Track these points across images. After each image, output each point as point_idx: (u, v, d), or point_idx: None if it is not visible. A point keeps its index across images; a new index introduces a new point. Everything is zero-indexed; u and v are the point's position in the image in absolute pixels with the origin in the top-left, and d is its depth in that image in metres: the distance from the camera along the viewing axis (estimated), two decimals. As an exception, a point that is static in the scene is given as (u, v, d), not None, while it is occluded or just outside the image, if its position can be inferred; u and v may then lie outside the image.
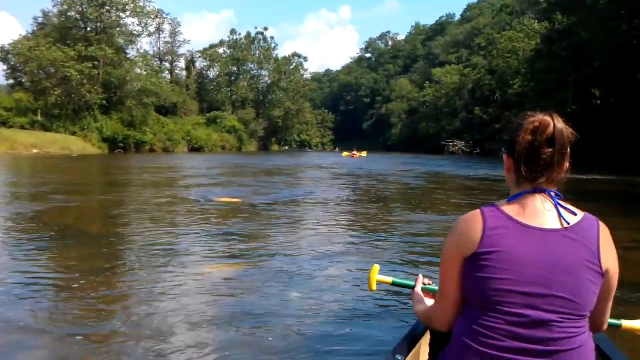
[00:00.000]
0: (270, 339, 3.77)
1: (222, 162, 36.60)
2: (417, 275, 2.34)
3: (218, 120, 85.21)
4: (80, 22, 56.69)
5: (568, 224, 1.67)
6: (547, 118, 1.69)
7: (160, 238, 7.50)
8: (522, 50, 66.53)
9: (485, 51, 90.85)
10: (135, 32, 60.72)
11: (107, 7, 56.97)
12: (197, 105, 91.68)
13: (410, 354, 2.11)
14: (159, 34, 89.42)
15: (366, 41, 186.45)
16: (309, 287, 5.14)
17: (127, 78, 55.30)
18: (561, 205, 1.70)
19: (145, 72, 62.25)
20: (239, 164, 34.65)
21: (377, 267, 2.52)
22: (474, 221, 1.71)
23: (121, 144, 53.12)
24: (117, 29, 58.10)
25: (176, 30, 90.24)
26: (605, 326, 1.87)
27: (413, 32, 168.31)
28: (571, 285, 1.62)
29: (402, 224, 9.43)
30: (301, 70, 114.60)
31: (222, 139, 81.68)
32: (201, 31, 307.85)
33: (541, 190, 1.71)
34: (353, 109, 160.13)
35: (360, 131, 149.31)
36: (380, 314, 4.41)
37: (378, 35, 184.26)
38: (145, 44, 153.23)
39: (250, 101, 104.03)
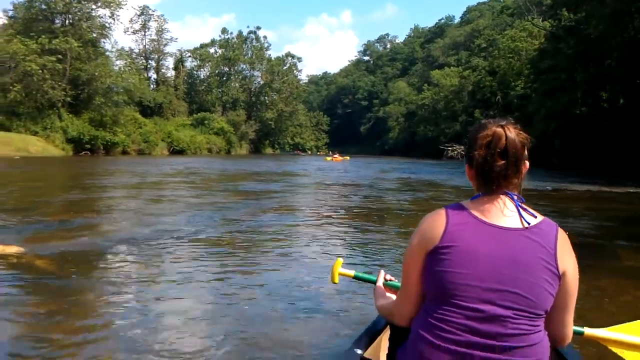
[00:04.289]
0: (231, 333, 3.78)
1: (184, 166, 32.49)
2: (379, 270, 2.41)
3: (206, 121, 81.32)
4: (47, 14, 52.19)
5: (528, 224, 1.73)
6: (500, 130, 1.75)
7: None
8: (525, 50, 63.35)
9: (485, 52, 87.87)
10: (107, 24, 56.17)
11: (76, -2, 52.77)
12: (186, 106, 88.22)
13: (370, 348, 2.14)
14: (145, 32, 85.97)
15: (364, 44, 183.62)
16: (273, 284, 5.17)
17: (96, 74, 50.80)
18: (522, 208, 1.76)
19: (118, 69, 57.94)
20: (203, 169, 30.45)
21: (340, 260, 2.61)
22: (438, 218, 1.78)
23: (88, 146, 48.71)
24: (88, 21, 53.49)
25: (163, 27, 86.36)
26: (568, 340, 1.88)
27: (412, 35, 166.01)
28: (527, 283, 1.67)
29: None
30: (295, 71, 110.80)
31: (209, 141, 77.55)
32: (203, 34, 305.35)
33: (504, 193, 1.78)
34: (350, 113, 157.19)
35: (358, 135, 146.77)
36: (343, 309, 4.42)
37: (376, 38, 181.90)
38: (130, 41, 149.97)
39: (241, 102, 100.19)
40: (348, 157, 61.88)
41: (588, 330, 2.20)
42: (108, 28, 56.49)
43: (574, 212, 12.27)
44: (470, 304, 1.66)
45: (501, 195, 1.77)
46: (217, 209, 11.30)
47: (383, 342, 2.29)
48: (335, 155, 58.91)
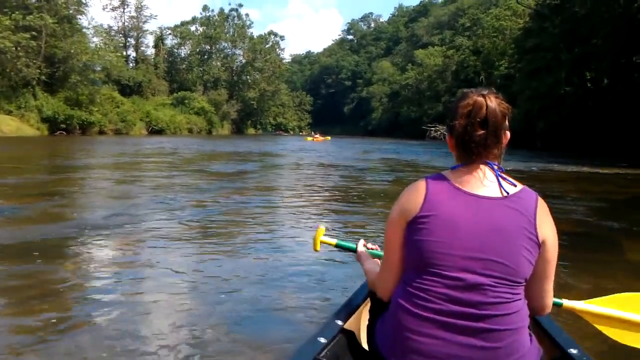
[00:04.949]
0: (208, 316, 3.63)
1: (160, 146, 31.63)
2: (359, 239, 2.46)
3: (186, 101, 79.98)
4: (21, -12, 50.27)
5: (508, 193, 1.73)
6: (480, 99, 1.74)
7: None
8: (509, 29, 62.87)
9: (470, 32, 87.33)
10: (83, 0, 54.28)
11: (51, -28, 50.80)
12: (166, 85, 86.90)
13: (351, 319, 2.16)
14: (124, 8, 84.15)
15: (348, 22, 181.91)
16: (250, 264, 5.07)
17: (72, 51, 49.35)
18: (502, 177, 1.76)
19: (95, 46, 56.45)
20: (180, 150, 29.66)
21: (322, 229, 2.59)
22: (417, 188, 1.78)
23: (63, 125, 47.36)
24: (62, -4, 51.71)
25: (142, 4, 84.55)
26: (548, 309, 1.89)
27: (396, 14, 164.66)
28: (507, 251, 1.66)
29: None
30: (278, 50, 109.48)
31: (190, 121, 76.32)
32: (184, 12, 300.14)
33: (484, 162, 1.77)
34: (334, 93, 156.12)
35: (341, 115, 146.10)
36: (324, 285, 4.43)
37: (361, 17, 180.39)
38: (109, 18, 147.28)
39: (223, 82, 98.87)
40: (329, 138, 61.83)
41: (567, 302, 2.21)
42: (84, 4, 55.03)
43: (566, 195, 11.61)
44: (450, 272, 1.66)
45: (481, 165, 1.77)
46: (191, 190, 10.82)
47: (363, 313, 2.28)
48: (316, 136, 58.84)
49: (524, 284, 1.71)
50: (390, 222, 1.83)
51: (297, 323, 3.57)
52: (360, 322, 2.27)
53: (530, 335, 1.74)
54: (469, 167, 1.77)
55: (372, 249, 2.40)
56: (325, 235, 2.59)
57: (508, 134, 1.79)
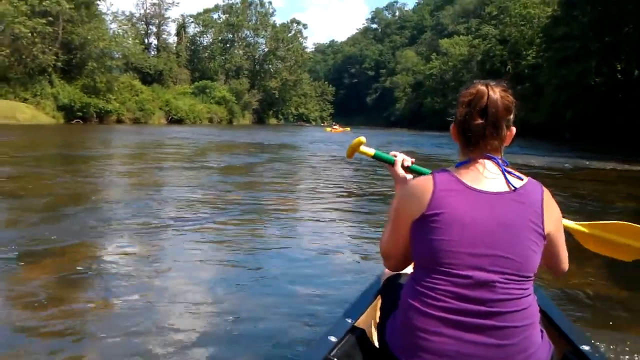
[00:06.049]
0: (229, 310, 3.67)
1: (172, 136, 30.79)
2: (394, 154, 2.28)
3: (207, 90, 79.39)
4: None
5: (515, 188, 1.71)
6: (483, 89, 1.74)
7: None
8: (537, 17, 60.95)
9: (496, 20, 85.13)
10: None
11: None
12: (188, 74, 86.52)
13: (361, 317, 2.15)
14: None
15: (372, 11, 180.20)
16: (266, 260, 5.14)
17: (89, 37, 48.71)
18: (508, 171, 1.75)
19: (113, 32, 55.89)
20: (193, 140, 28.86)
21: (363, 139, 2.41)
22: (425, 184, 1.75)
23: (79, 114, 46.70)
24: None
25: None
26: (566, 270, 1.93)
27: (422, 2, 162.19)
28: (515, 246, 1.66)
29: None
30: (300, 38, 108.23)
31: (210, 110, 75.71)
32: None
33: (488, 157, 1.76)
34: (357, 83, 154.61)
35: (364, 106, 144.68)
36: (340, 284, 4.39)
37: (385, 5, 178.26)
38: (131, 5, 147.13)
39: (245, 71, 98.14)
40: (349, 128, 60.98)
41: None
42: (102, -12, 54.21)
43: (603, 198, 10.38)
44: (458, 270, 1.65)
45: (485, 160, 1.75)
46: (206, 187, 10.23)
47: (374, 311, 2.28)
48: (335, 127, 58.22)
49: (532, 278, 1.70)
50: (395, 219, 1.83)
51: (307, 325, 3.47)
52: (371, 321, 2.27)
53: (541, 332, 1.72)
54: (474, 163, 1.75)
55: (411, 164, 2.24)
56: (364, 146, 2.37)
57: (513, 129, 1.78)
